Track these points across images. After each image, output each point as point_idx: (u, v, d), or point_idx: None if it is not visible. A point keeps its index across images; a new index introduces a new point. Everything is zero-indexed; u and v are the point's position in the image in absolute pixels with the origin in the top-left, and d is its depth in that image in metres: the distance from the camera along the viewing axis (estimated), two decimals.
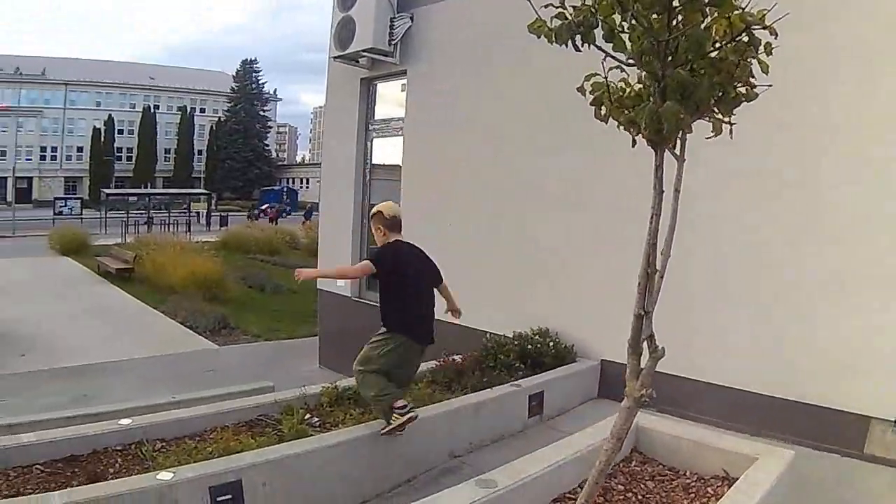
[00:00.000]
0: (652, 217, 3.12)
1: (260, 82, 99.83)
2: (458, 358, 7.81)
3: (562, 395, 7.81)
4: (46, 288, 22.85)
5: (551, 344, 8.24)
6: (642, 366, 3.42)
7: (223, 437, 5.45)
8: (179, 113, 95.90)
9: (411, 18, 10.66)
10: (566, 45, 2.97)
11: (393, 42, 10.72)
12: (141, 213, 49.99)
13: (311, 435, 5.62)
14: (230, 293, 21.65)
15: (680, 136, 3.12)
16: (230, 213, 58.92)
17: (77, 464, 5.12)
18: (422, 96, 10.74)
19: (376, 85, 11.83)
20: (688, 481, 4.93)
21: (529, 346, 8.12)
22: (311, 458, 5.24)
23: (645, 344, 3.33)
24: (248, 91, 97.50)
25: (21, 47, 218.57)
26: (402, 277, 5.79)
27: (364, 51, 10.85)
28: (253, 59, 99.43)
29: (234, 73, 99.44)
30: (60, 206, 56.91)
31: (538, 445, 5.24)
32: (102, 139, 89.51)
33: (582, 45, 2.96)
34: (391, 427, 5.60)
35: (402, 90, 11.17)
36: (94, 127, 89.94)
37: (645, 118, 2.92)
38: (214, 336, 16.43)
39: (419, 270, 5.99)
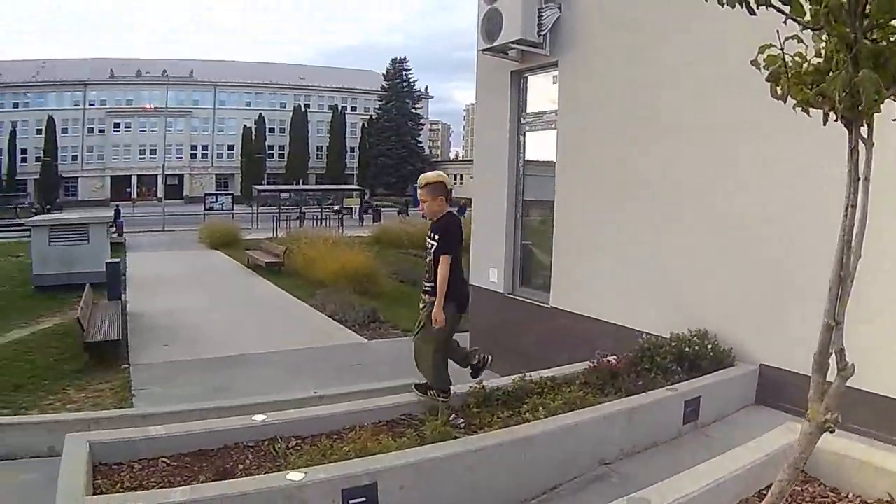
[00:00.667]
0: (847, 209, 2.61)
1: (410, 80, 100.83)
2: (612, 359, 7.39)
3: (718, 401, 7.24)
4: (196, 280, 23.97)
5: (709, 346, 7.68)
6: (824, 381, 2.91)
7: (361, 436, 5.24)
8: (330, 111, 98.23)
9: (559, 8, 10.21)
10: (740, 6, 2.52)
11: (542, 33, 10.29)
12: (293, 209, 51.42)
13: (456, 438, 5.38)
14: (381, 287, 21.80)
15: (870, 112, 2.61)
16: (383, 209, 59.71)
17: (206, 458, 5.06)
18: (574, 87, 10.28)
19: (527, 77, 11.43)
20: None
21: (687, 349, 7.58)
22: (453, 462, 4.99)
23: (833, 359, 2.82)
24: (398, 89, 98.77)
25: (169, 51, 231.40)
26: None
27: (512, 43, 10.49)
28: (402, 57, 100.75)
29: (385, 72, 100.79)
30: (211, 202, 59.20)
31: (692, 455, 4.98)
32: (254, 137, 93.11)
33: (758, 8, 2.50)
34: (430, 398, 6.09)
35: (554, 82, 10.75)
36: (245, 126, 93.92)
37: (838, 89, 2.43)
38: (363, 330, 16.48)
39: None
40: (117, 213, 42.96)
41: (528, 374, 6.87)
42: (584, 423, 5.83)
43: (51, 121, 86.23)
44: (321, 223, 45.62)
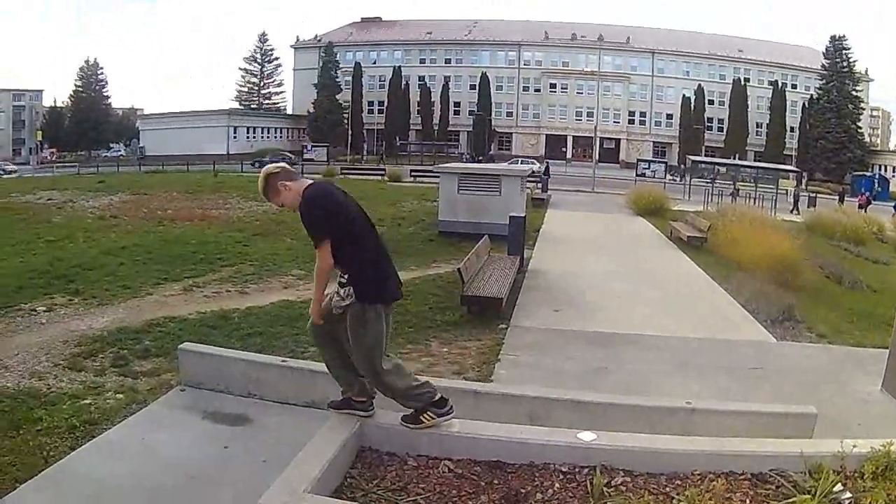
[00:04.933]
0: None
1: (850, 60, 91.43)
2: None
3: None
4: (609, 245, 23.11)
5: None
6: None
7: (710, 489, 3.73)
8: (770, 87, 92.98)
9: None
10: None
11: None
12: (726, 185, 49.50)
13: None
14: (803, 280, 19.14)
15: None
16: (818, 196, 55.20)
17: (500, 474, 4.08)
18: None
19: None
20: None
21: None
22: None
23: None
24: (838, 69, 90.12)
25: (604, 14, 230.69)
26: (350, 222, 4.71)
27: None
28: (841, 35, 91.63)
29: (824, 50, 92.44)
30: (643, 168, 58.50)
31: None
32: (692, 108, 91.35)
33: None
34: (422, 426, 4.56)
35: None
36: (684, 95, 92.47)
37: None
38: (774, 327, 14.14)
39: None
40: (546, 170, 43.84)
41: None
42: None
43: (484, 77, 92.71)
44: (754, 202, 42.66)
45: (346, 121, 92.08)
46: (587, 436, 4.30)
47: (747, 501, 3.88)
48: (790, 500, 3.93)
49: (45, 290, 15.03)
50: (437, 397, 4.76)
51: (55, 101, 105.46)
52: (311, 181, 5.02)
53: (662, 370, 10.38)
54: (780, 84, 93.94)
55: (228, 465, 6.14)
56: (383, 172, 52.56)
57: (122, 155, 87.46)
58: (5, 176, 65.59)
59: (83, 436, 7.29)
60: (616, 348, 11.43)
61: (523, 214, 19.40)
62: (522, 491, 3.84)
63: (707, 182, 47.85)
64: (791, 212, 41.66)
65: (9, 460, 6.72)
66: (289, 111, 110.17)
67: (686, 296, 16.38)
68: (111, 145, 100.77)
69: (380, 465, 4.18)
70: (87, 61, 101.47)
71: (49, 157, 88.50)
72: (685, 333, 12.68)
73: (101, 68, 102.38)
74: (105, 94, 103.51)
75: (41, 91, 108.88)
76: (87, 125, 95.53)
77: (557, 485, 3.97)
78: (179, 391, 7.78)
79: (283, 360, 7.87)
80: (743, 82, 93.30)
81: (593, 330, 12.38)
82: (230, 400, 6.86)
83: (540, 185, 40.38)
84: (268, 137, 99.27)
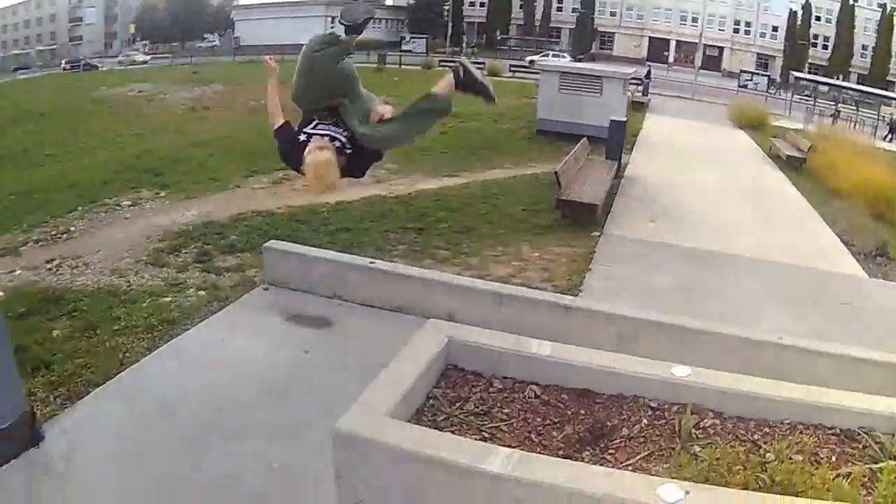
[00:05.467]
0: None
1: None
2: None
3: None
4: (709, 157, 22.12)
5: None
6: None
7: (799, 443, 3.53)
8: (879, 10, 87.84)
9: None
10: None
11: None
12: (828, 105, 47.36)
13: None
14: None
15: None
16: None
17: (588, 403, 3.89)
18: None
19: None
20: None
21: None
22: None
23: None
24: None
25: None
26: None
27: None
28: None
29: None
30: (745, 80, 57.29)
31: None
32: (799, 23, 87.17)
33: None
34: None
35: None
36: (790, 9, 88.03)
37: None
38: (867, 262, 13.40)
39: None
40: (648, 73, 42.58)
41: None
42: None
43: None
44: (854, 126, 40.87)
45: (446, 12, 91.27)
46: (681, 370, 4.05)
47: (833, 458, 3.63)
48: (877, 465, 3.64)
49: (131, 183, 15.20)
50: None
51: None
52: None
53: (753, 295, 9.99)
54: (888, 7, 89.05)
55: (307, 373, 6.11)
56: (482, 66, 51.55)
57: (216, 45, 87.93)
58: (131, 67, 66.66)
59: (161, 336, 7.29)
60: (709, 267, 11.09)
61: (624, 119, 18.71)
62: (609, 424, 3.67)
63: (808, 100, 46.10)
64: (885, 138, 39.79)
65: (84, 362, 6.73)
66: (388, 2, 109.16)
67: (782, 218, 15.66)
68: (205, 36, 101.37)
69: (464, 385, 4.05)
70: None
71: (142, 50, 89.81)
72: (779, 258, 12.15)
73: None
74: None
75: None
76: (181, 16, 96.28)
77: (645, 420, 3.76)
78: (262, 290, 7.79)
79: (371, 262, 7.78)
80: (851, 1, 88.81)
81: (687, 245, 11.99)
82: (313, 300, 6.80)
83: (641, 87, 39.24)
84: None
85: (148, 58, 75.04)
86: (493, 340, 4.29)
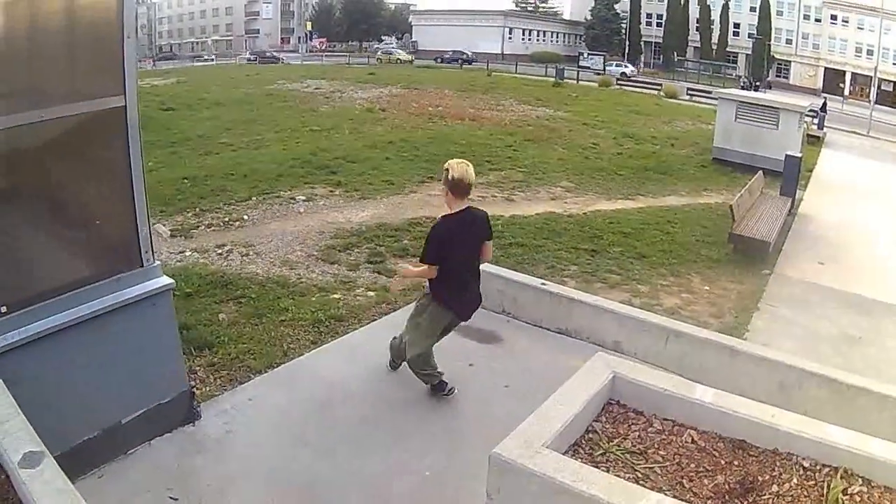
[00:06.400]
0: None
1: None
2: None
3: None
4: (888, 199, 20.57)
5: None
6: None
7: None
8: None
9: None
10: None
11: None
12: None
13: None
14: None
15: None
16: None
17: (741, 455, 3.91)
18: None
19: None
20: None
21: None
22: None
23: None
24: None
25: None
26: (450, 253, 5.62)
27: None
28: None
29: None
30: None
31: None
32: None
33: None
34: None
35: None
36: None
37: None
38: None
39: (464, 241, 5.72)
40: (823, 105, 40.82)
41: None
42: None
43: (765, 2, 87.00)
44: None
45: (623, 31, 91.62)
46: (836, 432, 3.97)
47: None
48: None
49: (305, 179, 15.67)
50: (437, 382, 6.01)
51: None
52: (449, 214, 5.73)
53: None
54: None
55: (469, 386, 6.27)
56: (659, 87, 51.04)
57: (393, 48, 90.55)
58: (306, 63, 69.08)
59: (327, 332, 7.57)
60: (876, 317, 10.60)
61: (800, 154, 18.34)
62: (760, 479, 3.69)
63: None
64: None
65: (247, 348, 7.02)
66: (565, 17, 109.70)
67: None
68: (382, 38, 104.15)
69: (624, 421, 4.16)
70: None
71: (318, 47, 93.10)
72: None
73: None
74: None
75: None
76: (357, 17, 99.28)
77: (795, 480, 3.73)
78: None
79: (542, 283, 7.94)
80: None
81: (854, 292, 11.52)
82: (483, 314, 6.89)
83: (816, 120, 37.65)
84: (543, 41, 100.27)
85: (411, 56, 76.96)
86: (658, 381, 4.39)
